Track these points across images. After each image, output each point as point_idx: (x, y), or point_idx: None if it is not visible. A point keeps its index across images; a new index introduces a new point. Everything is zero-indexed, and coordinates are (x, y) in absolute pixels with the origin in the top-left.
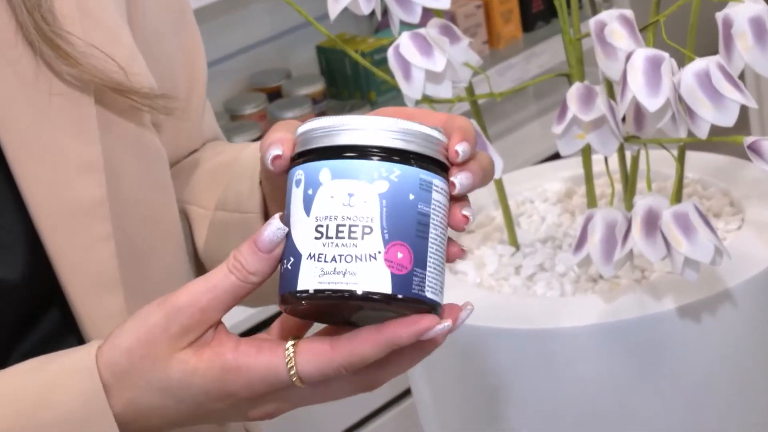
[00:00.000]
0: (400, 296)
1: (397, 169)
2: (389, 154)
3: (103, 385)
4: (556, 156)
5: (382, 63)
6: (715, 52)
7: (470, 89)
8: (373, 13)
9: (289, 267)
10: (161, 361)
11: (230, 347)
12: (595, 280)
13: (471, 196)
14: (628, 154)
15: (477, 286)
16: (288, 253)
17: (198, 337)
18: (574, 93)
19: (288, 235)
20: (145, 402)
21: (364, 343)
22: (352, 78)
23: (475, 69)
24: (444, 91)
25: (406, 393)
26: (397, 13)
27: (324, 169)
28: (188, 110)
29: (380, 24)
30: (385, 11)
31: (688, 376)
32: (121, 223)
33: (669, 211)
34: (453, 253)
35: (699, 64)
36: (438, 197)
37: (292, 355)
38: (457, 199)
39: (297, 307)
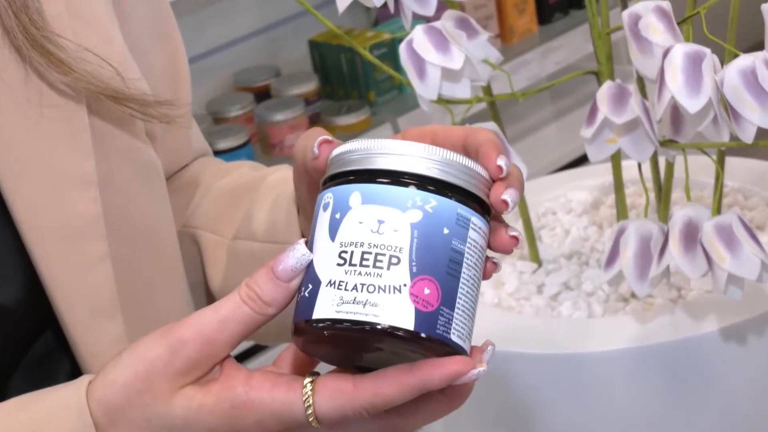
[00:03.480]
0: (422, 335)
1: (433, 200)
2: (426, 184)
3: (94, 424)
4: (575, 162)
5: (382, 59)
6: (753, 47)
7: (488, 89)
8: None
9: (307, 294)
10: (162, 397)
11: (241, 380)
12: (627, 300)
13: None
14: (661, 160)
15: (495, 306)
16: (307, 280)
17: (204, 374)
18: (605, 93)
19: (309, 262)
20: None
21: (391, 384)
22: (348, 76)
23: (495, 66)
24: (462, 90)
25: None
26: (409, 5)
27: (355, 192)
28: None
29: (379, 16)
30: (397, 2)
31: (730, 405)
32: (118, 243)
33: (710, 223)
34: (506, 242)
35: (744, 60)
36: (475, 236)
37: (310, 392)
38: (498, 221)
39: (310, 338)
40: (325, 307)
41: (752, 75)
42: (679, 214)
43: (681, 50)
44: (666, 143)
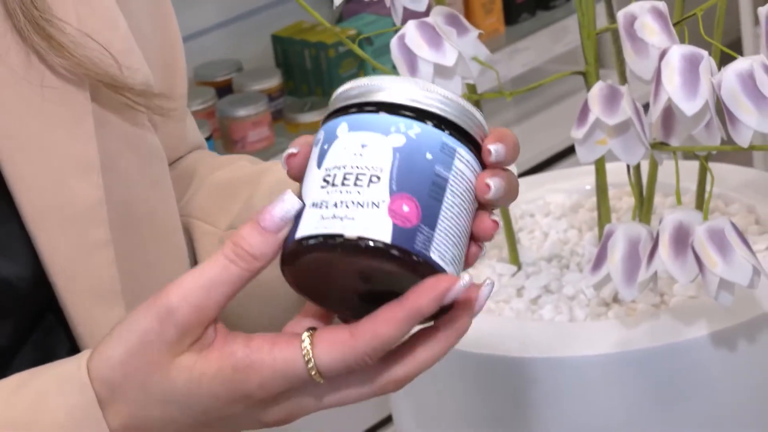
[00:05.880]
0: (398, 246)
1: (417, 127)
2: (411, 112)
3: (97, 398)
4: (545, 164)
5: (347, 56)
6: (729, 46)
7: (473, 87)
8: None
9: (293, 222)
10: (161, 369)
11: (240, 344)
12: (608, 305)
13: None
14: (643, 164)
15: None
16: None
17: (198, 338)
18: (596, 93)
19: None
20: (147, 415)
21: (384, 322)
22: (312, 72)
23: (485, 65)
24: (454, 87)
25: (387, 420)
26: (401, 0)
27: (342, 123)
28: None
29: (344, 12)
30: None
31: (713, 413)
32: (120, 228)
33: (702, 227)
34: (486, 227)
35: (742, 63)
36: (461, 167)
37: (308, 347)
38: (484, 207)
39: (294, 265)
40: (306, 227)
41: (750, 78)
42: (670, 218)
43: (678, 52)
44: (656, 146)
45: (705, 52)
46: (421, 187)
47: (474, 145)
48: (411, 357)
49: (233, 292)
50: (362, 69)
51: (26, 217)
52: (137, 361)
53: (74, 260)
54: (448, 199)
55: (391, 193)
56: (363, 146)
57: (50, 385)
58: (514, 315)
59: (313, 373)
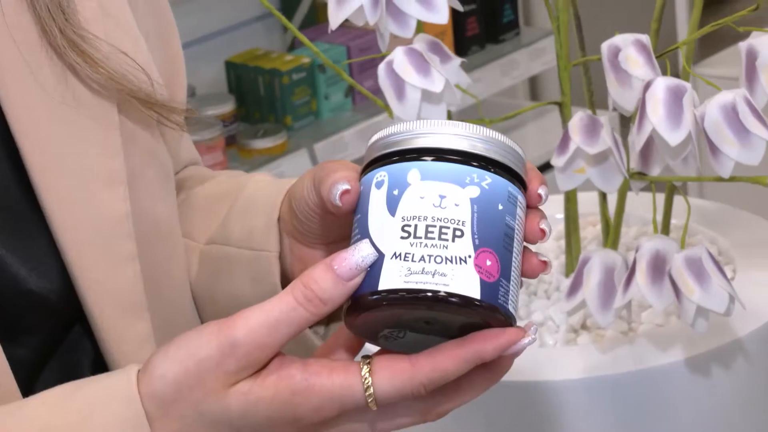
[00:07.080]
0: (486, 304)
1: (488, 177)
2: (482, 162)
3: (145, 414)
4: None
5: (300, 83)
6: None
7: (449, 115)
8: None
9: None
10: (216, 394)
11: (297, 368)
12: (576, 331)
13: None
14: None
15: None
16: None
17: (255, 371)
18: (577, 123)
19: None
20: None
21: (447, 358)
22: (265, 99)
23: (467, 93)
24: (439, 113)
25: None
26: (388, 26)
27: (413, 170)
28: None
29: (297, 40)
30: None
31: None
32: (143, 242)
33: (680, 256)
34: (535, 266)
35: (725, 96)
36: (521, 213)
37: (368, 374)
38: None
39: (373, 312)
40: (392, 279)
41: (733, 111)
42: (648, 245)
43: (663, 84)
44: (635, 175)
45: (688, 85)
46: (497, 240)
47: (524, 186)
48: (457, 390)
49: (296, 333)
50: (315, 97)
51: (56, 231)
52: (192, 383)
53: (102, 273)
54: (515, 248)
55: (475, 247)
56: (442, 197)
57: (98, 397)
58: None
59: (369, 400)
